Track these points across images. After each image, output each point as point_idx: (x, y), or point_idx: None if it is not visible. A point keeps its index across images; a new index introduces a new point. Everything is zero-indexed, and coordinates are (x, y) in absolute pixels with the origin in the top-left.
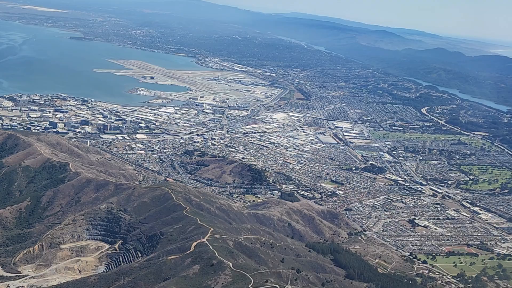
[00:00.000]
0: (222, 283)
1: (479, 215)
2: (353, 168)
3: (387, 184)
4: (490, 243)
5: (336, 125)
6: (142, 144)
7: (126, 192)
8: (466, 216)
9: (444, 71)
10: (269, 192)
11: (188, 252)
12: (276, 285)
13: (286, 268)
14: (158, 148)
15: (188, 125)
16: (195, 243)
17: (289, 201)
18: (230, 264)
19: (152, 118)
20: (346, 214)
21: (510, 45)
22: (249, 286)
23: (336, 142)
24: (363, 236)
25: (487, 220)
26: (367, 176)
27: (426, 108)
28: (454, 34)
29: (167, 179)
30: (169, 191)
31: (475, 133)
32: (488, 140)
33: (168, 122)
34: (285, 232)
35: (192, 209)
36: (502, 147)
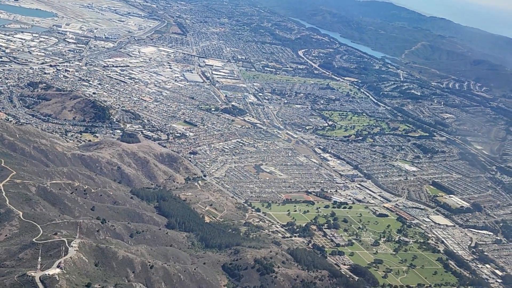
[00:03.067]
0: (6, 235)
1: (328, 162)
2: (213, 109)
3: (244, 127)
4: (330, 191)
5: (206, 63)
6: None
7: None
8: (314, 162)
9: (330, 14)
10: (111, 132)
11: None
12: (64, 239)
13: (91, 218)
14: (0, 77)
15: (43, 54)
16: None
17: (127, 142)
18: (21, 213)
19: (3, 45)
20: (190, 157)
21: None
22: (34, 239)
23: (202, 81)
24: (200, 182)
25: (334, 167)
26: (225, 118)
27: (303, 50)
28: None
29: None
30: None
31: (345, 78)
32: (355, 86)
33: (21, 49)
34: (113, 176)
35: (0, 150)
36: (367, 94)
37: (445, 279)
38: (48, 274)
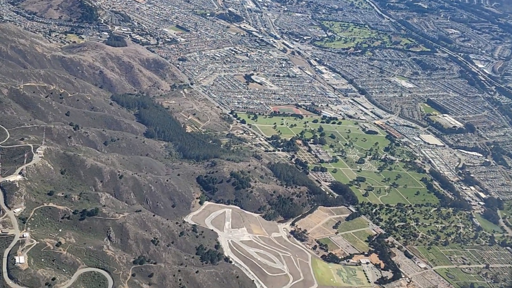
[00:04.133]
0: None
1: (322, 75)
2: (208, 14)
3: (239, 34)
4: (321, 105)
5: None
6: None
7: None
8: (308, 74)
9: None
10: (97, 34)
11: None
12: (30, 144)
13: (64, 123)
14: None
15: None
16: None
17: (112, 46)
18: None
19: None
20: (178, 64)
21: None
22: None
23: None
24: (186, 90)
25: (328, 80)
26: (220, 24)
27: None
28: None
29: None
30: None
31: None
32: None
33: None
34: (95, 80)
35: None
36: (372, 5)
37: (427, 200)
38: (9, 180)
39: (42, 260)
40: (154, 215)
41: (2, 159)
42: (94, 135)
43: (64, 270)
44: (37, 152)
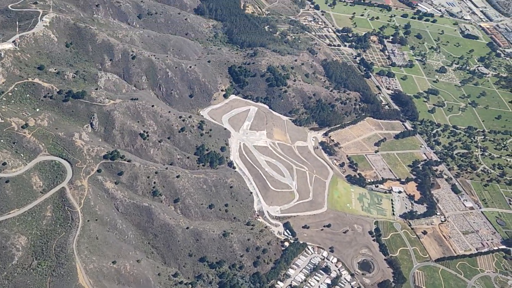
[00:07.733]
0: None
1: None
2: None
3: None
4: None
5: None
6: None
7: None
8: None
9: None
10: None
11: None
12: (40, 10)
13: None
14: None
15: None
16: None
17: None
18: None
19: None
20: None
21: None
22: (9, 6)
23: None
24: None
25: None
26: None
27: None
28: None
29: None
30: None
31: None
32: None
33: None
34: None
35: None
36: None
37: (508, 127)
38: None
39: (1, 141)
40: (152, 106)
41: (8, 23)
42: (128, 6)
43: (22, 155)
44: (42, 20)
